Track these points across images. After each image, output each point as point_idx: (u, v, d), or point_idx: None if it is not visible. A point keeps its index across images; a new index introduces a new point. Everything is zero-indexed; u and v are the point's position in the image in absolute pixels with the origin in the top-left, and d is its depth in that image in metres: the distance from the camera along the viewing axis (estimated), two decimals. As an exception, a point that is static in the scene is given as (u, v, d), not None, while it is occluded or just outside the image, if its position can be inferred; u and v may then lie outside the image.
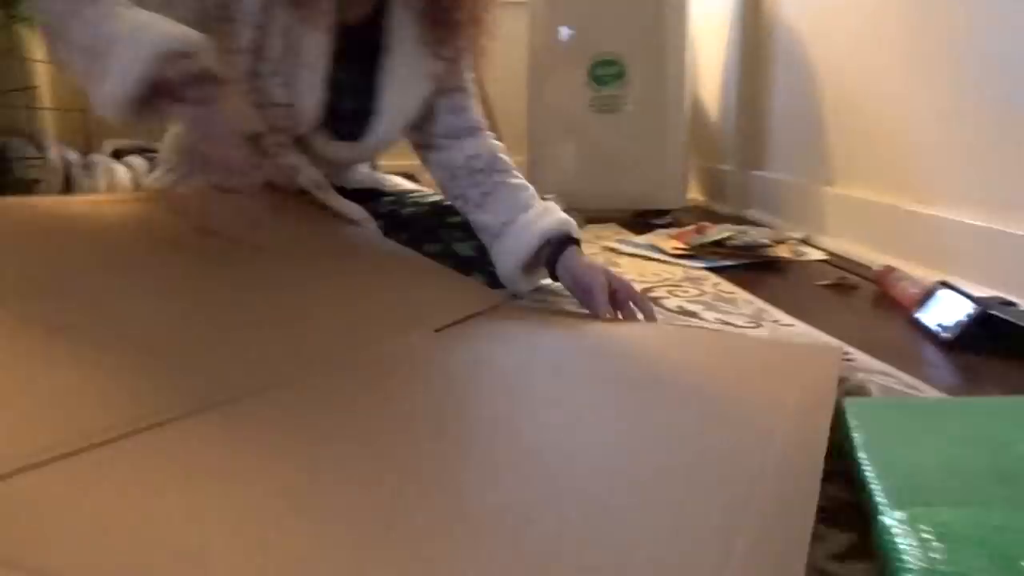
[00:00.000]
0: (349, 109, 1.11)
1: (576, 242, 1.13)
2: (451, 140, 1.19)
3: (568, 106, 2.37)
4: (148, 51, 0.79)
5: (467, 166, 1.18)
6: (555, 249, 1.12)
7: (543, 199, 1.20)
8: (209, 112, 0.82)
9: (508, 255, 1.14)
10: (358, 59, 1.09)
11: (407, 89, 1.12)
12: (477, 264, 1.19)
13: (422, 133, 1.20)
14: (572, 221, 1.16)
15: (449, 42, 1.10)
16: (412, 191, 1.35)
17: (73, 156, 2.32)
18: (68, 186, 2.24)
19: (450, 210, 1.24)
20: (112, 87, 0.81)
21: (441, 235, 1.22)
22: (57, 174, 2.23)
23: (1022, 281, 1.22)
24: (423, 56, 1.11)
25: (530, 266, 1.15)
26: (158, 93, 0.81)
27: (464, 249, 1.21)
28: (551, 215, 1.15)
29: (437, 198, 1.28)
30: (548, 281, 1.20)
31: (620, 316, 1.06)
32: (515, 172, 1.22)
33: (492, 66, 1.26)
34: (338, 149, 1.13)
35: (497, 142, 1.23)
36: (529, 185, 1.21)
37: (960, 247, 1.38)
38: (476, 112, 1.21)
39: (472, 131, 1.20)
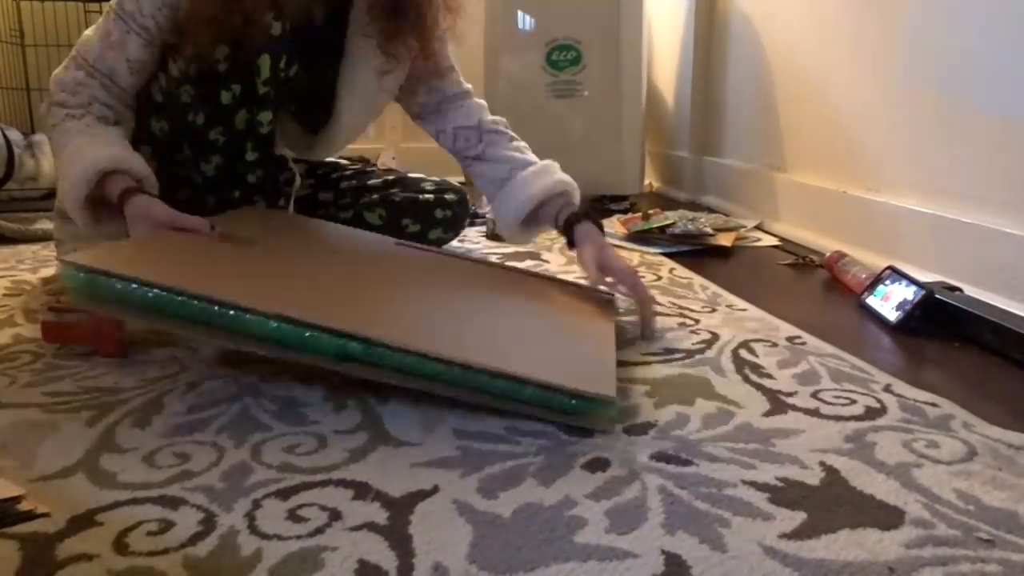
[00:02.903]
0: (315, 108, 1.25)
1: (588, 215, 1.18)
2: (436, 115, 1.33)
3: (525, 91, 2.37)
4: (80, 177, 1.02)
5: (455, 134, 1.32)
6: (558, 208, 1.20)
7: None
8: (139, 216, 1.01)
9: (507, 212, 1.25)
10: (320, 62, 1.23)
11: (363, 89, 1.24)
12: (385, 231, 1.36)
13: (411, 107, 1.35)
14: (569, 181, 1.23)
15: (400, 39, 1.20)
16: (354, 167, 1.50)
17: (16, 136, 2.24)
18: (11, 166, 2.17)
19: (368, 189, 1.42)
20: (67, 204, 1.06)
21: (356, 207, 1.41)
22: (-1, 154, 2.16)
23: (966, 267, 1.26)
24: (375, 56, 1.22)
25: (527, 222, 1.25)
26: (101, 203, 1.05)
27: (372, 218, 1.39)
28: (548, 175, 1.22)
29: (369, 178, 1.45)
30: None
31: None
32: (505, 131, 1.31)
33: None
34: (308, 141, 1.29)
35: (481, 102, 1.36)
36: (521, 142, 1.32)
37: (907, 234, 1.42)
38: (453, 86, 1.33)
39: (451, 103, 1.32)
